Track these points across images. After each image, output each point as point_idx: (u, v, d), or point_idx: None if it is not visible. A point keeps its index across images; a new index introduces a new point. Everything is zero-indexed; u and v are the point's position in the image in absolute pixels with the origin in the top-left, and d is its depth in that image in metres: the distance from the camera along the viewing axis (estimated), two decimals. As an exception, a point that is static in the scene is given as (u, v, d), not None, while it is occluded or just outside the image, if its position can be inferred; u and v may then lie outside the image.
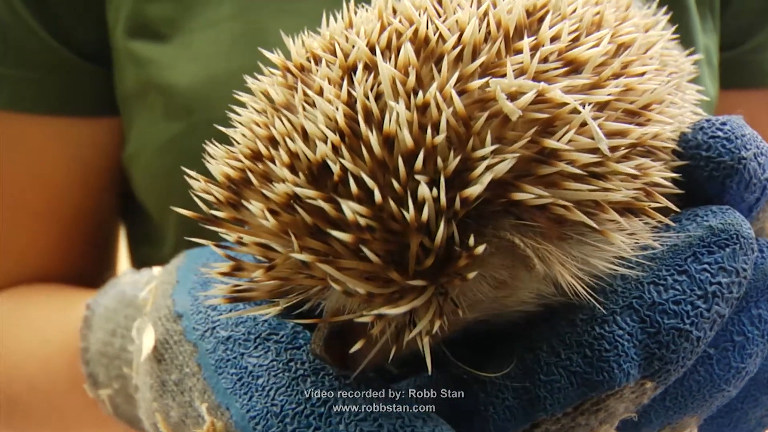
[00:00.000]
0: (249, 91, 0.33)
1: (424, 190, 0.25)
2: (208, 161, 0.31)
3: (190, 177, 0.31)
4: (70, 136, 0.65)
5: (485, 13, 0.30)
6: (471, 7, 0.31)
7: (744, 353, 0.32)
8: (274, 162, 0.28)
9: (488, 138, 0.26)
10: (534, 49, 0.28)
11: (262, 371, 0.31)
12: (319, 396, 0.29)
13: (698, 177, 0.32)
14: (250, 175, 0.29)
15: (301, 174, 0.27)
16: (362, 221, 0.26)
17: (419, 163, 0.26)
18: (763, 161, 0.32)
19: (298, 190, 0.27)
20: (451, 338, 0.31)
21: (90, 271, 0.70)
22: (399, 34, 0.29)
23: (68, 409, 0.58)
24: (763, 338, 0.32)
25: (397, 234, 0.26)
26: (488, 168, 0.26)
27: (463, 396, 0.31)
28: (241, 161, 0.30)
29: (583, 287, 0.29)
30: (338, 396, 0.29)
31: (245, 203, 0.29)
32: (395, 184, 0.26)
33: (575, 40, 0.30)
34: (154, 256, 0.66)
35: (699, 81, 0.63)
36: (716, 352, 0.32)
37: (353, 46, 0.30)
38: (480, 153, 0.26)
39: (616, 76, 0.29)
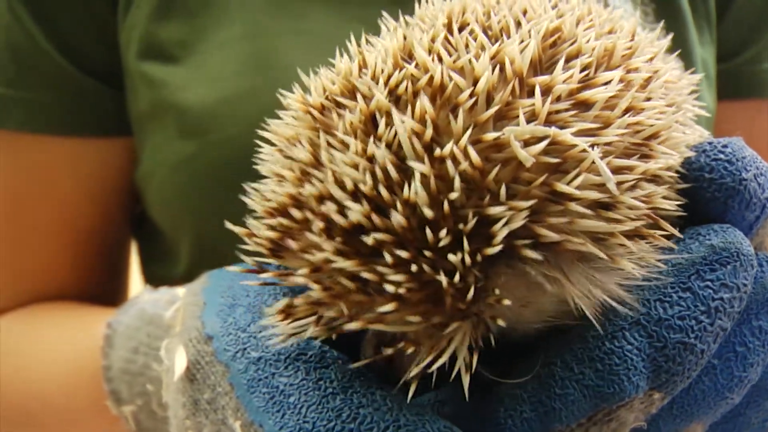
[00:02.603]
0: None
1: (453, 257, 0.28)
2: (248, 219, 0.34)
3: (234, 227, 0.34)
4: (82, 156, 0.66)
5: (498, 50, 0.31)
6: (482, 33, 0.32)
7: (746, 363, 0.34)
8: (309, 223, 0.30)
9: (503, 193, 0.28)
10: (547, 89, 0.30)
11: (293, 390, 0.32)
12: (348, 412, 0.31)
13: (702, 197, 0.34)
14: (289, 241, 0.31)
15: (336, 237, 0.29)
16: (402, 290, 0.28)
17: (443, 233, 0.28)
18: (763, 181, 0.34)
19: (338, 264, 0.29)
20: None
21: (102, 289, 0.72)
22: (414, 80, 0.31)
23: (86, 426, 0.59)
24: (764, 348, 0.34)
25: (432, 284, 0.29)
26: (505, 225, 0.28)
27: (483, 410, 0.33)
28: (276, 218, 0.32)
29: (592, 307, 0.31)
30: (367, 411, 0.31)
31: (292, 270, 0.31)
32: (426, 252, 0.28)
33: (587, 76, 0.31)
34: (167, 275, 0.67)
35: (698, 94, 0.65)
36: (720, 362, 0.34)
37: (370, 89, 0.31)
38: (494, 211, 0.28)
39: (625, 111, 0.31)
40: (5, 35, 0.62)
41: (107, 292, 0.72)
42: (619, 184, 0.29)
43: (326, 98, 0.33)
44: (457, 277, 0.28)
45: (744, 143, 0.35)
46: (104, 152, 0.67)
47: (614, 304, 0.31)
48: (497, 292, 0.28)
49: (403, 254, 0.28)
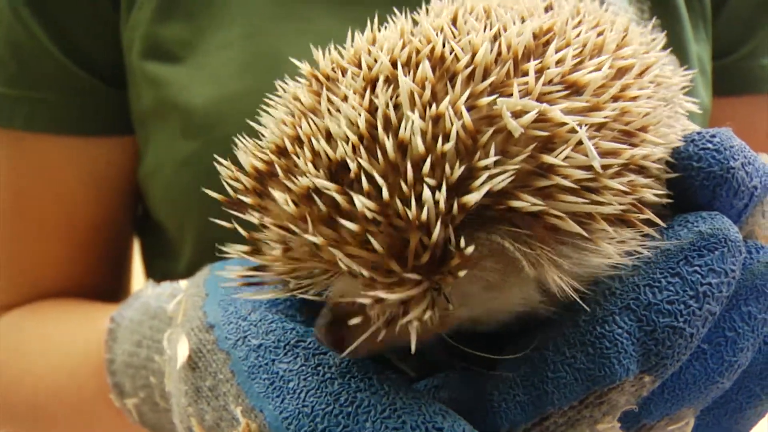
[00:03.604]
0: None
1: (427, 193, 0.28)
2: (237, 152, 0.34)
3: (221, 165, 0.35)
4: (85, 155, 0.67)
5: (496, 36, 0.33)
6: (483, 29, 0.33)
7: (736, 348, 0.34)
8: (298, 158, 0.31)
9: (492, 150, 0.29)
10: (539, 71, 0.31)
11: (293, 375, 0.33)
12: (346, 396, 0.32)
13: (690, 186, 0.35)
14: (276, 167, 0.32)
15: (321, 170, 0.30)
16: (369, 214, 0.29)
17: (427, 168, 0.29)
18: (751, 170, 0.35)
19: (317, 182, 0.30)
20: (465, 341, 0.33)
21: (105, 285, 0.72)
22: (417, 52, 0.32)
23: (94, 418, 0.60)
24: (753, 333, 0.35)
25: (399, 230, 0.29)
26: (488, 179, 0.28)
27: (477, 394, 0.34)
28: (267, 155, 0.33)
29: (572, 290, 0.31)
30: (364, 395, 0.32)
31: (270, 192, 0.32)
32: (403, 185, 0.29)
33: (578, 64, 0.32)
34: (171, 271, 0.68)
35: (693, 90, 0.66)
36: (710, 347, 0.34)
37: (376, 60, 0.32)
38: (483, 163, 0.29)
39: (614, 99, 0.32)
40: (7, 34, 0.63)
41: (110, 289, 0.73)
42: (604, 168, 0.30)
43: (332, 69, 0.34)
44: (424, 215, 0.28)
45: (732, 133, 0.35)
46: (107, 151, 0.68)
47: (596, 286, 0.32)
48: (462, 243, 0.28)
49: (380, 181, 0.29)
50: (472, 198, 0.28)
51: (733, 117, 0.73)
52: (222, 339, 0.36)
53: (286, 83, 0.36)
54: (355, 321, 0.30)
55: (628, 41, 0.36)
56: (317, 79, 0.34)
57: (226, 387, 0.35)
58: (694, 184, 0.34)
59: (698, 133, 0.35)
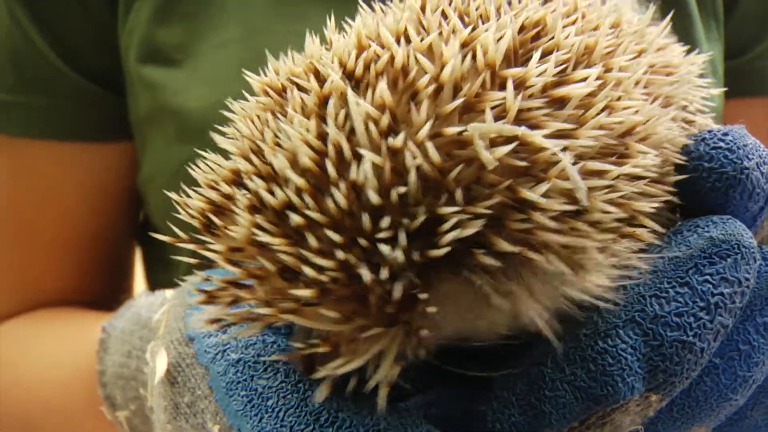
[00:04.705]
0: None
1: (385, 249, 0.25)
2: (195, 174, 0.32)
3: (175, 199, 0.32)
4: (83, 161, 0.66)
5: (471, 39, 0.29)
6: (454, 33, 0.29)
7: (750, 362, 0.32)
8: (235, 203, 0.28)
9: (460, 192, 0.26)
10: (519, 83, 0.28)
11: (272, 393, 0.31)
12: (327, 416, 0.30)
13: (701, 188, 0.32)
14: (212, 216, 0.29)
15: (260, 216, 0.27)
16: (324, 277, 0.26)
17: (385, 222, 0.25)
18: (766, 170, 0.33)
19: (261, 238, 0.27)
20: (457, 355, 0.31)
21: (105, 294, 0.72)
22: (377, 58, 0.29)
23: (84, 430, 0.58)
24: None
25: (362, 279, 0.26)
26: (457, 225, 0.25)
27: (469, 413, 0.32)
28: (214, 191, 0.30)
29: (550, 323, 0.28)
30: (346, 415, 0.30)
31: (209, 248, 0.29)
32: (360, 240, 0.26)
33: (563, 71, 0.29)
34: (170, 280, 0.67)
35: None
36: (722, 361, 0.32)
37: (329, 73, 0.29)
38: (448, 210, 0.25)
39: (602, 110, 0.29)
40: (5, 40, 0.63)
41: (111, 297, 0.72)
42: (591, 189, 0.27)
43: (288, 80, 0.31)
44: (384, 273, 0.25)
45: (746, 131, 0.33)
46: (105, 157, 0.67)
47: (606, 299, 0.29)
48: (423, 297, 0.26)
49: (335, 237, 0.25)
50: (438, 253, 0.25)
51: (744, 119, 0.71)
52: (201, 353, 0.34)
53: (245, 99, 0.33)
54: (320, 375, 0.28)
55: (621, 45, 0.33)
56: (269, 94, 0.31)
57: (204, 404, 0.33)
58: (705, 185, 0.32)
59: (709, 131, 0.33)
